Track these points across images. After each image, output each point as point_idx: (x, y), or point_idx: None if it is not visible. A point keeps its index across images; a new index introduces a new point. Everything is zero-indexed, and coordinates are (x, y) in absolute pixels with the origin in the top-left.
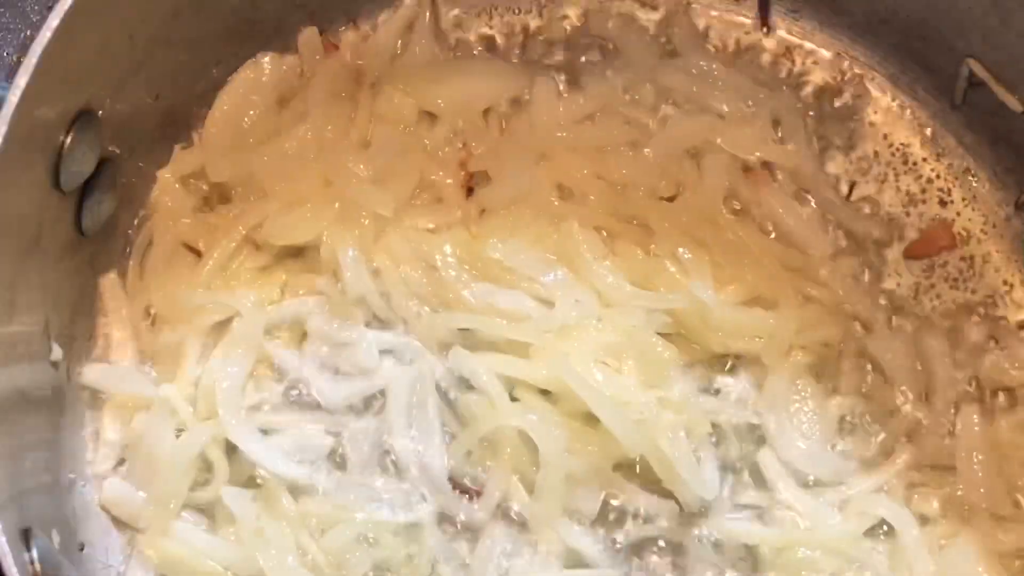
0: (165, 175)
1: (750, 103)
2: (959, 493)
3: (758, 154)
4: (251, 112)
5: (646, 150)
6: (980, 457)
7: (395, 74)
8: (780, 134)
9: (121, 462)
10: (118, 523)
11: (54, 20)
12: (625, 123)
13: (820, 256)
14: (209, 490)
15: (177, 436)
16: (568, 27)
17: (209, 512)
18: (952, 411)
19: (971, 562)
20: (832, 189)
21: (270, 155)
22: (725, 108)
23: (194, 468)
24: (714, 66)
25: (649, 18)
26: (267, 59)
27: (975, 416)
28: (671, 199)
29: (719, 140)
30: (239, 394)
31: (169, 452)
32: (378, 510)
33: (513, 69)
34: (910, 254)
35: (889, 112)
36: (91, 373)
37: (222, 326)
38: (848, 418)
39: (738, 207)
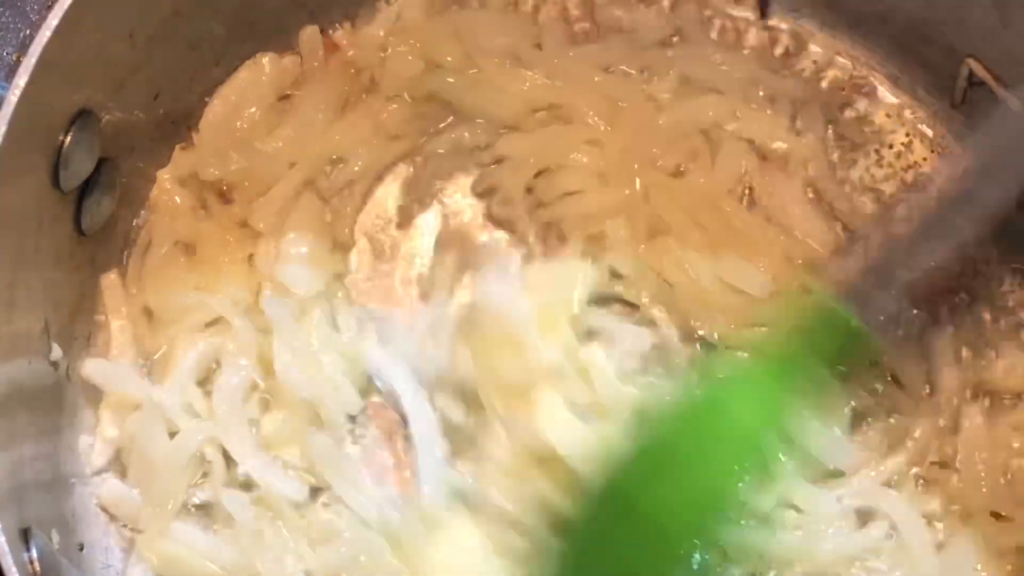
0: (164, 175)
1: (763, 92)
2: (960, 492)
3: (776, 143)
4: (248, 112)
5: (660, 120)
6: (983, 456)
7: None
8: (797, 125)
9: (119, 462)
10: (118, 523)
11: (54, 19)
12: (642, 85)
13: (825, 250)
14: (207, 489)
15: (171, 437)
16: (571, 19)
17: (208, 511)
18: (955, 410)
19: (972, 561)
20: (839, 185)
21: (265, 156)
22: (742, 94)
23: (191, 467)
24: (726, 57)
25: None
26: (266, 59)
27: (978, 415)
28: (677, 176)
29: (736, 126)
30: (239, 404)
31: (164, 452)
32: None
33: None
34: None
35: (889, 112)
36: (90, 367)
37: (219, 331)
38: (851, 415)
39: (747, 196)
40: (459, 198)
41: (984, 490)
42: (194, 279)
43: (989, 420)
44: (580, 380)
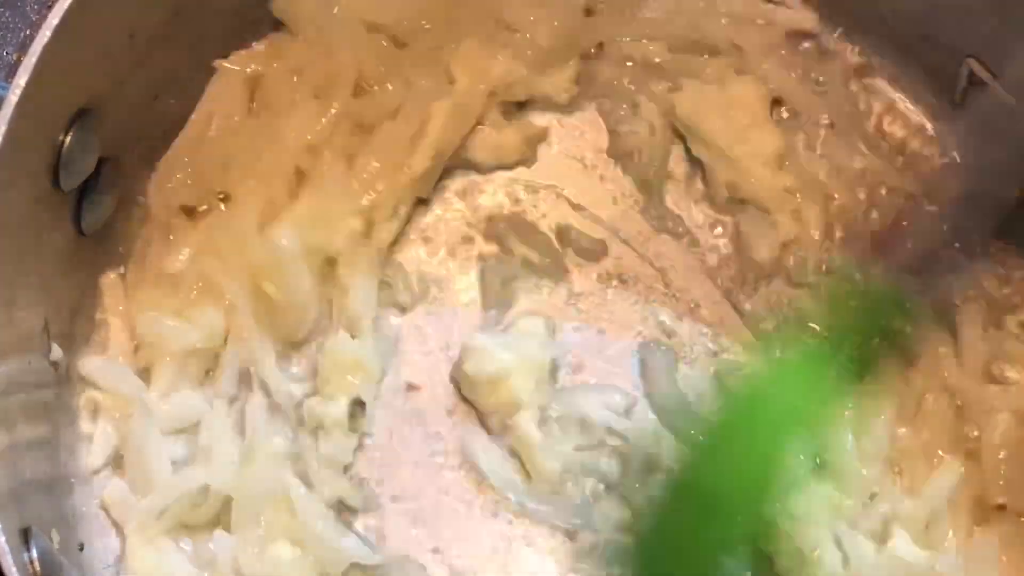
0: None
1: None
2: (984, 486)
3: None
4: (226, 112)
5: None
6: (1004, 455)
7: None
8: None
9: (118, 461)
10: (117, 524)
11: (54, 19)
12: None
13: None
14: (201, 513)
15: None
16: None
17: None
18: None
19: (994, 555)
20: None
21: (239, 157)
22: None
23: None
24: None
25: None
26: (246, 55)
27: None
28: None
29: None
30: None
31: (166, 474)
32: None
33: None
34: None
35: (889, 111)
36: (87, 364)
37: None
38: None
39: None
40: None
41: (1001, 483)
42: (187, 287)
43: (1015, 418)
44: None
